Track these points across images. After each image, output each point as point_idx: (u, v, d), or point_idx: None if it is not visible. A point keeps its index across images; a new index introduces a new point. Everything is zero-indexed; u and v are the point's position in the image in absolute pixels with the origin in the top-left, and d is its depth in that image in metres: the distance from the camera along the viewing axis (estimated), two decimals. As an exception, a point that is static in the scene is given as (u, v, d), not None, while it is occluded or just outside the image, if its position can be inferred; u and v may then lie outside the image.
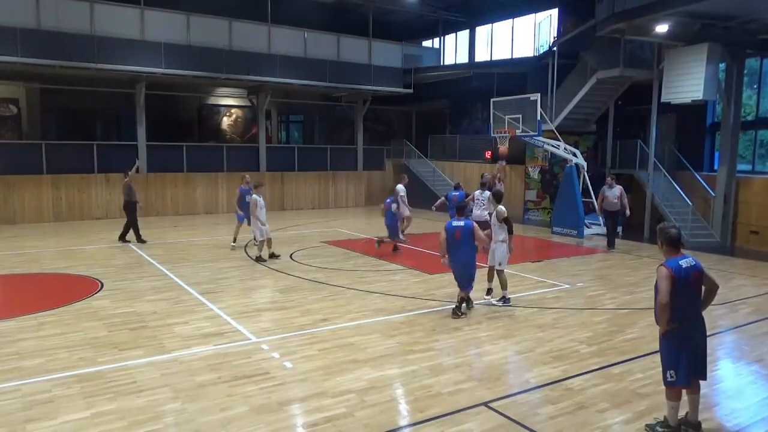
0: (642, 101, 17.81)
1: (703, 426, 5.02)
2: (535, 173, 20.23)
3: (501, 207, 9.02)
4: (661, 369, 4.98)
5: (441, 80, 25.09)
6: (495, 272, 9.10)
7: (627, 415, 5.29)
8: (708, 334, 4.98)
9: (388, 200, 13.72)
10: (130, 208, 14.16)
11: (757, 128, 16.88)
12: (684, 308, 4.77)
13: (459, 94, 25.49)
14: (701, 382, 4.98)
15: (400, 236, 14.08)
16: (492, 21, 25.44)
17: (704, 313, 4.94)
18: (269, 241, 12.38)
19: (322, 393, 5.65)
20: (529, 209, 20.74)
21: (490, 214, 9.59)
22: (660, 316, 4.78)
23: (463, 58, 27.07)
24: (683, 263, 4.78)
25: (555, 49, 18.54)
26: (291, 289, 9.88)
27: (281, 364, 6.42)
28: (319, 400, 5.49)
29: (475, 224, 8.24)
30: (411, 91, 24.03)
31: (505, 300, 8.96)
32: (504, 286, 9.00)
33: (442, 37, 27.51)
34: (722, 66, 15.49)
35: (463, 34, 27.16)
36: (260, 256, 12.25)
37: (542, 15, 22.87)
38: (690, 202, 16.36)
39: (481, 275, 9.11)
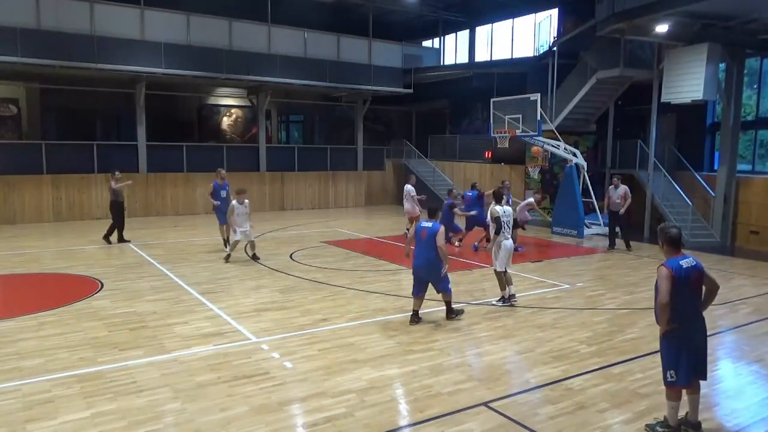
0: (642, 101, 17.81)
1: (703, 426, 5.02)
2: (535, 173, 20.23)
3: (495, 207, 8.96)
4: (661, 369, 4.98)
5: (441, 80, 25.09)
6: (499, 274, 9.01)
7: (627, 415, 5.29)
8: (708, 334, 4.98)
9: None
10: (115, 209, 14.15)
11: (757, 128, 16.87)
12: (684, 308, 4.77)
13: (459, 94, 25.49)
14: (701, 382, 4.98)
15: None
16: (492, 21, 25.43)
17: (704, 313, 4.94)
18: (252, 243, 12.46)
19: (322, 393, 5.65)
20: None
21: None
22: (660, 315, 4.78)
23: (463, 58, 27.07)
24: (684, 263, 4.78)
25: (555, 49, 18.54)
26: (291, 289, 9.88)
27: (281, 364, 6.42)
28: (319, 400, 5.49)
29: (441, 230, 7.73)
30: (411, 91, 24.03)
31: (504, 300, 8.95)
32: (501, 287, 8.98)
33: (442, 37, 27.50)
34: (722, 66, 15.49)
35: (463, 34, 27.16)
36: (255, 254, 12.42)
37: (542, 15, 22.87)
38: (690, 202, 16.36)
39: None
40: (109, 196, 14.39)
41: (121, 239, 14.25)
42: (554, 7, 21.84)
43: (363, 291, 9.78)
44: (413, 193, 15.51)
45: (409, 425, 5.12)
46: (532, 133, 16.34)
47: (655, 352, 6.63)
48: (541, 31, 22.89)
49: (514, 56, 24.19)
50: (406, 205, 15.52)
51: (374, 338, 7.26)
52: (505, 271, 8.99)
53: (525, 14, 23.85)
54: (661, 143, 17.82)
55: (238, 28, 20.03)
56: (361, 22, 23.13)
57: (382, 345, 7.04)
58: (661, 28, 14.06)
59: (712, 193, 16.16)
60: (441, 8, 25.12)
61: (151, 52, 18.24)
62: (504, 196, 9.46)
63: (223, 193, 13.36)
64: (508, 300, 8.95)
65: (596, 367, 6.47)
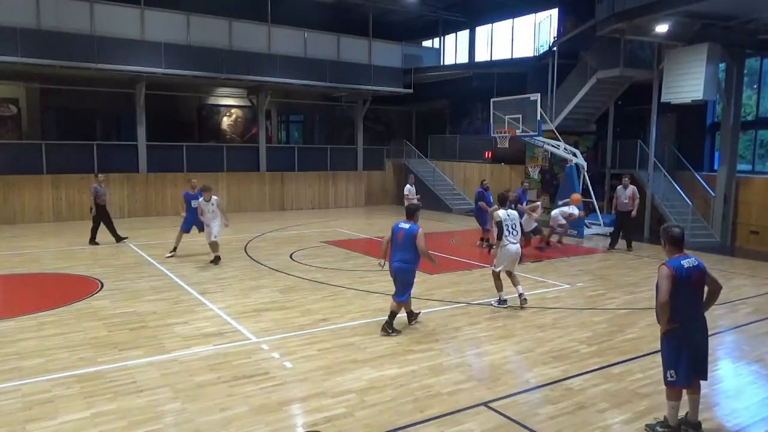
0: (642, 101, 17.81)
1: (703, 426, 5.02)
2: (535, 173, 20.23)
3: (498, 211, 8.93)
4: (661, 369, 4.98)
5: (441, 80, 25.08)
6: (495, 274, 8.98)
7: (627, 415, 5.29)
8: (708, 334, 4.98)
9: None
10: (99, 211, 13.98)
11: (757, 128, 16.88)
12: (685, 308, 4.76)
13: (459, 94, 25.49)
14: (702, 383, 4.98)
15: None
16: (492, 21, 25.44)
17: (705, 313, 4.94)
18: (214, 244, 11.85)
19: (322, 393, 5.65)
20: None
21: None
22: (660, 315, 4.78)
23: (463, 58, 27.07)
24: (685, 263, 4.78)
25: (555, 49, 18.53)
26: (291, 289, 9.88)
27: (281, 364, 6.42)
28: (319, 400, 5.49)
29: (420, 232, 7.34)
30: (411, 91, 24.02)
31: (500, 301, 8.89)
32: (498, 287, 8.90)
33: (442, 37, 27.50)
34: (722, 66, 15.49)
35: (463, 34, 27.16)
36: (217, 256, 11.92)
37: (542, 15, 22.88)
38: (690, 202, 16.37)
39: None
40: (92, 198, 13.91)
41: (92, 240, 14.01)
42: (554, 7, 21.84)
43: (363, 291, 9.78)
44: (410, 194, 15.85)
45: (409, 425, 5.11)
46: (532, 133, 16.34)
47: (655, 352, 6.64)
48: (541, 31, 22.89)
49: (514, 56, 24.20)
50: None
51: (374, 338, 7.26)
52: (512, 273, 8.90)
53: (525, 14, 23.86)
54: (661, 143, 17.82)
55: (238, 28, 20.03)
56: (361, 22, 23.13)
57: (382, 345, 7.04)
58: (661, 28, 14.06)
59: (712, 193, 16.16)
60: (441, 8, 25.13)
61: (151, 52, 18.24)
62: (516, 199, 9.42)
63: (194, 203, 12.18)
64: (504, 302, 8.88)
65: (596, 367, 6.47)
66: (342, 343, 7.09)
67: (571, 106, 18.00)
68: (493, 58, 25.24)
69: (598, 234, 16.24)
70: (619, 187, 14.43)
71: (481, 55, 26.24)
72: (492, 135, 17.82)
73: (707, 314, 4.96)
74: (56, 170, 18.33)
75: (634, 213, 14.06)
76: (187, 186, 13.28)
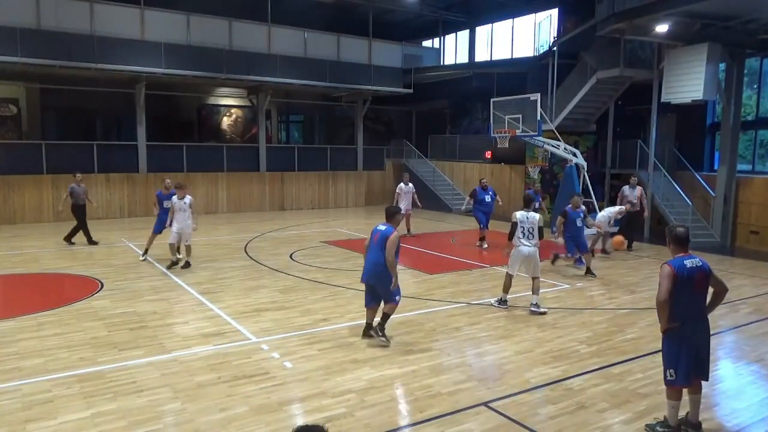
0: (642, 101, 17.81)
1: (703, 426, 5.02)
2: (535, 173, 20.22)
3: (516, 212, 8.80)
4: (661, 369, 4.98)
5: (441, 80, 25.07)
6: (507, 276, 8.84)
7: (627, 415, 5.29)
8: (710, 334, 4.98)
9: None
10: (77, 211, 13.85)
11: (757, 128, 16.87)
12: (686, 308, 4.76)
13: (459, 94, 25.48)
14: (702, 383, 4.98)
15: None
16: (492, 21, 25.43)
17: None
18: (172, 246, 11.23)
19: (322, 393, 5.65)
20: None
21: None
22: (659, 313, 4.78)
23: (463, 58, 27.06)
24: (688, 263, 4.77)
25: (555, 49, 18.53)
26: (291, 289, 9.88)
27: (281, 364, 6.42)
28: (319, 400, 5.49)
29: (392, 237, 6.90)
30: (411, 91, 24.01)
31: (500, 301, 8.86)
32: (504, 288, 8.85)
33: (442, 37, 27.49)
34: (722, 66, 15.49)
35: (463, 34, 27.15)
36: (176, 261, 11.30)
37: (542, 15, 22.86)
38: (690, 202, 16.37)
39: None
40: (70, 198, 13.75)
41: (68, 239, 13.91)
42: (554, 7, 21.83)
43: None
44: (402, 193, 15.82)
45: (409, 425, 5.11)
46: (532, 133, 16.34)
47: (655, 352, 6.65)
48: (541, 31, 22.88)
49: (514, 56, 24.18)
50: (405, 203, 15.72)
51: (374, 338, 7.25)
52: (535, 278, 8.70)
53: (525, 14, 23.84)
54: (661, 143, 17.82)
55: (238, 28, 20.03)
56: (361, 22, 23.13)
57: (382, 345, 7.03)
58: (661, 28, 14.06)
59: (712, 193, 16.16)
60: (441, 8, 25.11)
61: (151, 52, 18.24)
62: (533, 202, 9.26)
63: (166, 203, 11.59)
64: (505, 302, 8.82)
65: (596, 367, 6.47)
66: (342, 343, 7.09)
67: (571, 106, 17.99)
68: (493, 58, 25.22)
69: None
70: (625, 186, 14.34)
71: (481, 55, 26.23)
72: (492, 135, 17.82)
73: (708, 315, 4.96)
74: (56, 170, 18.31)
75: (647, 213, 14.02)
76: (161, 186, 12.58)
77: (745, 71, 15.72)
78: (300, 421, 5.15)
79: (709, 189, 16.45)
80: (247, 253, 13.22)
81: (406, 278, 10.89)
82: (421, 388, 5.83)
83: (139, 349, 6.81)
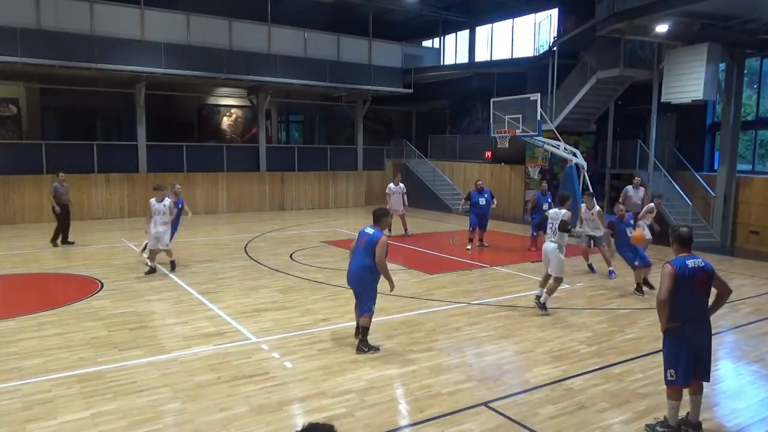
0: (642, 101, 17.82)
1: (704, 426, 5.02)
2: (535, 173, 20.23)
3: (550, 210, 8.79)
4: (661, 369, 4.98)
5: (441, 80, 25.08)
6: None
7: (627, 415, 5.29)
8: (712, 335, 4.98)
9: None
10: (59, 211, 13.64)
11: (757, 128, 16.88)
12: (687, 308, 4.75)
13: (459, 94, 25.49)
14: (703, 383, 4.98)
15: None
16: (492, 21, 25.43)
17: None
18: (151, 252, 10.79)
19: (322, 393, 5.65)
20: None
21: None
22: (659, 313, 4.78)
23: (463, 58, 27.07)
24: (690, 263, 4.76)
25: (555, 49, 18.54)
26: (291, 289, 9.88)
27: (281, 364, 6.42)
28: (319, 400, 5.49)
29: (381, 241, 6.63)
30: (411, 91, 24.01)
31: (541, 305, 8.55)
32: (549, 291, 8.61)
33: (442, 37, 27.50)
34: (722, 66, 15.49)
35: (463, 34, 27.16)
36: (151, 266, 10.78)
37: (542, 15, 22.87)
38: (690, 202, 16.37)
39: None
40: (52, 198, 13.53)
41: (54, 241, 13.72)
42: (554, 7, 21.84)
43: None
44: (392, 194, 15.95)
45: (409, 425, 5.11)
46: (532, 133, 16.33)
47: (655, 352, 6.65)
48: (541, 31, 22.89)
49: (514, 56, 24.19)
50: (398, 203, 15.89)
51: (374, 338, 7.24)
52: (547, 274, 8.57)
53: (525, 14, 23.85)
54: (661, 143, 17.83)
55: (238, 28, 20.03)
56: (361, 22, 23.13)
57: (382, 345, 7.02)
58: (661, 28, 14.07)
59: (712, 193, 16.16)
60: (441, 8, 25.11)
61: (151, 52, 18.24)
62: (568, 201, 9.07)
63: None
64: (543, 306, 8.56)
65: (596, 367, 6.47)
66: (342, 343, 7.09)
67: (571, 106, 18.00)
68: (493, 58, 25.23)
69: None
70: (629, 187, 14.25)
71: (481, 55, 26.23)
72: (492, 135, 17.81)
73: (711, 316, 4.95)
74: (56, 170, 18.27)
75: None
76: (170, 191, 11.77)
77: (745, 71, 15.73)
78: (300, 421, 5.15)
79: (709, 189, 16.45)
80: (247, 253, 13.22)
81: (406, 278, 10.90)
82: (421, 388, 5.83)
83: (139, 349, 6.81)
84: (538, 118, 15.96)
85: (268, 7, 20.21)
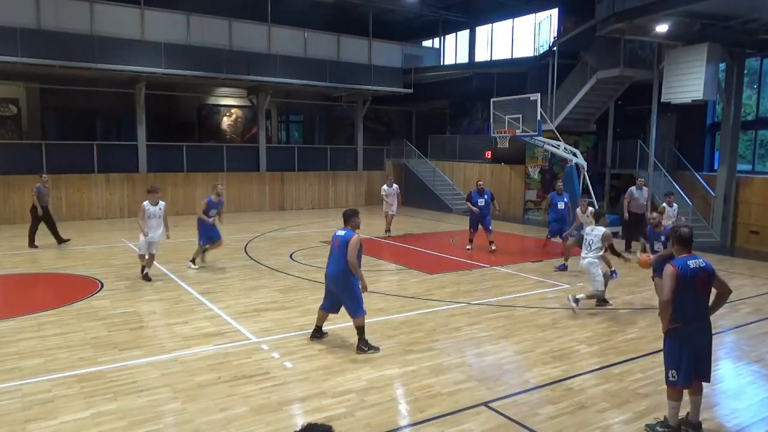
0: (642, 101, 17.81)
1: (704, 426, 5.02)
2: (535, 173, 20.23)
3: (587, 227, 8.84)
4: (661, 369, 4.98)
5: (441, 80, 25.08)
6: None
7: (627, 415, 5.29)
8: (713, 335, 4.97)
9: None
10: (35, 212, 13.44)
11: (757, 128, 16.88)
12: (688, 308, 4.75)
13: (459, 94, 25.49)
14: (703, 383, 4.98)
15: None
16: (492, 21, 25.43)
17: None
18: (143, 257, 10.39)
19: (322, 393, 5.65)
20: (529, 209, 20.76)
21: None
22: (662, 314, 4.78)
23: (463, 58, 27.07)
24: (691, 263, 4.76)
25: (555, 49, 18.54)
26: (291, 289, 9.88)
27: (281, 364, 6.42)
28: (319, 400, 5.49)
29: (353, 240, 6.70)
30: (411, 91, 24.02)
31: (575, 299, 8.58)
32: (587, 296, 8.72)
33: (442, 37, 27.50)
34: (722, 66, 15.49)
35: (463, 34, 27.16)
36: (146, 273, 10.41)
37: (542, 15, 22.87)
38: (690, 202, 16.36)
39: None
40: (35, 198, 13.29)
41: (60, 240, 13.67)
42: (554, 7, 21.84)
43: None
44: (387, 196, 15.95)
45: (409, 425, 5.11)
46: (532, 133, 16.32)
47: (655, 352, 6.65)
48: (541, 31, 22.89)
49: (514, 56, 24.19)
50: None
51: (374, 338, 7.24)
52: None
53: (525, 14, 23.85)
54: (661, 143, 17.82)
55: (238, 28, 20.03)
56: (361, 22, 23.13)
57: (382, 345, 7.03)
58: (661, 28, 14.06)
59: (712, 193, 16.16)
60: (441, 8, 25.11)
61: (151, 52, 18.24)
62: (602, 217, 9.06)
63: (213, 212, 11.47)
64: (576, 301, 8.59)
65: (596, 367, 6.47)
66: (342, 343, 7.09)
67: (571, 106, 18.00)
68: (493, 58, 25.23)
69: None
70: (632, 188, 14.21)
71: (481, 55, 26.23)
72: (492, 135, 17.81)
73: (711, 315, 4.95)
74: (56, 170, 18.29)
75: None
76: (212, 192, 11.67)
77: (745, 71, 15.72)
78: (300, 421, 5.15)
79: (709, 189, 16.45)
80: (247, 253, 13.22)
81: (406, 278, 10.90)
82: (421, 388, 5.82)
83: (139, 349, 6.80)
84: (538, 118, 15.96)
85: (268, 7, 20.21)
